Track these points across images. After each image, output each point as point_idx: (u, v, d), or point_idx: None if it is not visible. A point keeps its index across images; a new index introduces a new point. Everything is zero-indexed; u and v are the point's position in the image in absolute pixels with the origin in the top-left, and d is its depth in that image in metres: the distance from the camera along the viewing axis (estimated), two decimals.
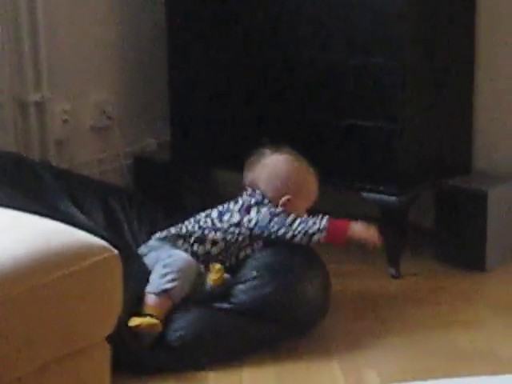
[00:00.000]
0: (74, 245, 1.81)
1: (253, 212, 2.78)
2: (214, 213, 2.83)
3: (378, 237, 2.73)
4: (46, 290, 1.70)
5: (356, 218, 2.84)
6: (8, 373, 1.68)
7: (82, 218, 2.85)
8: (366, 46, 3.02)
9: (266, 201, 2.80)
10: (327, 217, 2.71)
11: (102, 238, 1.99)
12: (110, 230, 2.87)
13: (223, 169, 3.61)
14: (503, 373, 1.45)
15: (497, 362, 2.50)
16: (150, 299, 2.54)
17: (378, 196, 3.04)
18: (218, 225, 2.78)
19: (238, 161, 3.41)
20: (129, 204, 3.07)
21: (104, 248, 1.84)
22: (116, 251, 1.86)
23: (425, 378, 1.38)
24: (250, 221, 2.76)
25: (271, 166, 2.88)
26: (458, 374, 2.05)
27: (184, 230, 2.79)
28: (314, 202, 2.87)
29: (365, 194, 3.03)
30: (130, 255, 2.75)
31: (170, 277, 2.55)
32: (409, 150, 3.05)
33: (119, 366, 2.10)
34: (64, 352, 1.79)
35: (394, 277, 3.08)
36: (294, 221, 2.73)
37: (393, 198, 3.02)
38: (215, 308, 2.60)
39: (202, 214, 2.83)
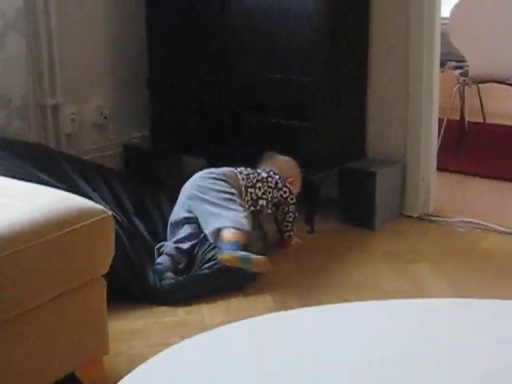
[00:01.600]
0: (78, 208, 1.83)
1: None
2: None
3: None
4: (58, 242, 1.73)
5: None
6: (30, 301, 1.71)
7: (87, 188, 2.83)
8: (288, 67, 3.01)
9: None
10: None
11: (101, 204, 2.04)
12: (110, 199, 2.86)
13: (188, 155, 3.58)
14: (386, 299, 1.49)
15: (382, 292, 2.55)
16: None
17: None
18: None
19: (199, 149, 3.45)
20: (121, 181, 3.04)
21: (101, 211, 1.87)
22: (110, 213, 1.88)
23: (328, 304, 1.41)
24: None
25: (285, 160, 2.97)
26: (351, 301, 2.12)
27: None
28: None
29: None
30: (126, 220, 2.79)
31: None
32: (321, 141, 3.05)
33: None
34: (74, 285, 1.82)
35: (309, 232, 3.09)
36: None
37: (310, 177, 3.03)
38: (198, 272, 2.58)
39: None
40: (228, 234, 2.51)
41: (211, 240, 2.56)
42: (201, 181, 2.72)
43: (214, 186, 2.67)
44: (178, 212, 2.73)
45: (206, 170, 2.79)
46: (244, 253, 2.47)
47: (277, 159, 2.97)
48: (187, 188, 2.74)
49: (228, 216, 2.56)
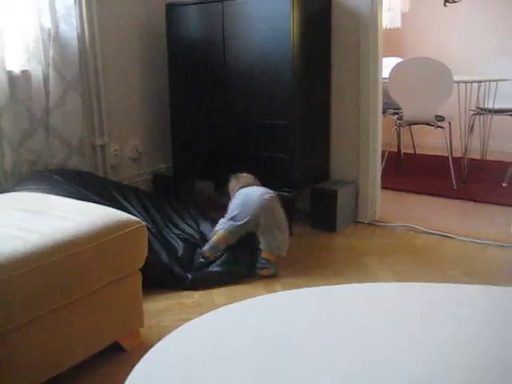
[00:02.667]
0: (120, 220, 1.82)
1: None
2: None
3: None
4: (106, 245, 1.73)
5: None
6: (88, 288, 1.71)
7: (128, 206, 2.82)
8: (272, 114, 3.01)
9: None
10: None
11: (137, 217, 2.03)
12: (144, 213, 2.84)
13: (200, 180, 3.57)
14: (345, 283, 1.48)
15: (342, 278, 2.53)
16: None
17: (282, 193, 2.98)
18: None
19: (208, 176, 3.43)
20: (151, 199, 3.03)
21: (137, 221, 1.86)
22: (144, 223, 1.88)
23: (306, 287, 1.41)
24: None
25: (250, 177, 2.84)
26: (320, 285, 2.10)
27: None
28: None
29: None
30: (156, 228, 2.75)
31: None
32: (296, 168, 3.04)
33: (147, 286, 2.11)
34: (118, 276, 1.82)
35: (289, 235, 2.98)
36: None
37: (289, 194, 3.02)
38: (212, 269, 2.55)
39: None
40: (268, 255, 2.58)
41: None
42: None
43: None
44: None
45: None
46: (274, 270, 2.56)
47: (244, 177, 2.84)
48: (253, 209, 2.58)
49: (272, 243, 2.59)
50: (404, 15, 5.42)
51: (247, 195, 2.67)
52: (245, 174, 2.89)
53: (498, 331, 1.10)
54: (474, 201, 3.67)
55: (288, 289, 2.41)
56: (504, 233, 3.01)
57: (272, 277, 2.56)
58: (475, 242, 2.93)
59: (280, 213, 2.64)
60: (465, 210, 3.57)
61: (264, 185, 2.83)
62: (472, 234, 3.03)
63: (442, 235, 3.04)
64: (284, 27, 2.88)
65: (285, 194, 3.03)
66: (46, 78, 2.91)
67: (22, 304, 1.51)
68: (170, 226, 2.85)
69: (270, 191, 2.67)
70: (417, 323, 1.14)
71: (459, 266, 2.64)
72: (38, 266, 1.53)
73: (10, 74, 2.76)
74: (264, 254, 2.58)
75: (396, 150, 4.76)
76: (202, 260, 2.58)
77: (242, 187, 2.77)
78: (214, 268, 2.55)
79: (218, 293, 2.41)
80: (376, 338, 1.08)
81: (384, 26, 3.90)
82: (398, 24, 5.38)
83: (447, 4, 5.51)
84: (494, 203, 3.58)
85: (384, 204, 3.47)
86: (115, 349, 1.89)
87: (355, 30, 3.12)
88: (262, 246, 2.59)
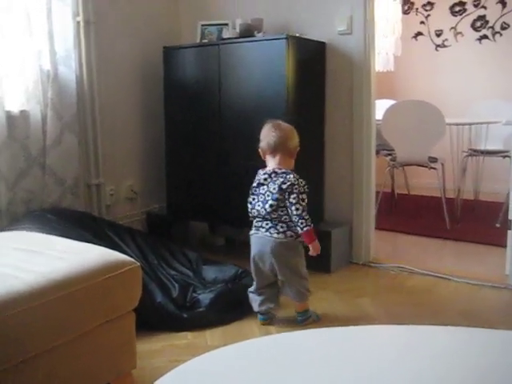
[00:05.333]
0: (114, 260, 1.83)
1: None
2: None
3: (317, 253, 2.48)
4: (100, 285, 1.73)
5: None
6: (82, 327, 1.70)
7: (122, 245, 2.82)
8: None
9: None
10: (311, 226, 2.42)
11: (131, 257, 2.03)
12: (138, 254, 2.84)
13: (193, 220, 3.59)
14: (340, 326, 1.49)
15: (336, 320, 2.52)
16: None
17: None
18: None
19: (202, 216, 3.44)
20: (146, 239, 3.03)
21: (132, 262, 1.86)
22: (138, 264, 1.87)
23: (299, 330, 1.41)
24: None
25: None
26: (310, 327, 2.08)
27: None
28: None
29: None
30: (150, 268, 2.74)
31: None
32: None
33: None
34: (112, 317, 1.81)
35: None
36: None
37: None
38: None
39: None
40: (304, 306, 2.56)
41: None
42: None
43: None
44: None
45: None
46: (315, 316, 2.55)
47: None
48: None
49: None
50: (397, 59, 5.55)
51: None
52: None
53: (492, 374, 1.11)
54: (468, 241, 3.69)
55: (282, 331, 2.39)
56: (498, 274, 3.03)
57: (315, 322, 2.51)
58: (469, 283, 2.94)
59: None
60: (458, 250, 3.59)
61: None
62: (466, 274, 3.05)
63: (436, 276, 3.05)
64: (279, 71, 2.95)
65: None
66: (43, 118, 2.97)
67: (14, 344, 1.51)
68: (165, 266, 2.85)
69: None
70: (410, 366, 1.15)
71: (453, 307, 2.64)
72: (32, 306, 1.53)
73: (8, 114, 2.81)
74: (300, 308, 2.50)
75: (390, 190, 4.80)
76: (194, 295, 2.57)
77: None
78: (207, 303, 2.52)
79: (211, 334, 2.39)
80: (370, 380, 1.09)
81: (377, 70, 3.98)
82: (391, 67, 5.50)
83: (438, 49, 5.66)
84: (488, 244, 3.60)
85: (378, 245, 3.48)
86: None
87: (349, 73, 3.20)
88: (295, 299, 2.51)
